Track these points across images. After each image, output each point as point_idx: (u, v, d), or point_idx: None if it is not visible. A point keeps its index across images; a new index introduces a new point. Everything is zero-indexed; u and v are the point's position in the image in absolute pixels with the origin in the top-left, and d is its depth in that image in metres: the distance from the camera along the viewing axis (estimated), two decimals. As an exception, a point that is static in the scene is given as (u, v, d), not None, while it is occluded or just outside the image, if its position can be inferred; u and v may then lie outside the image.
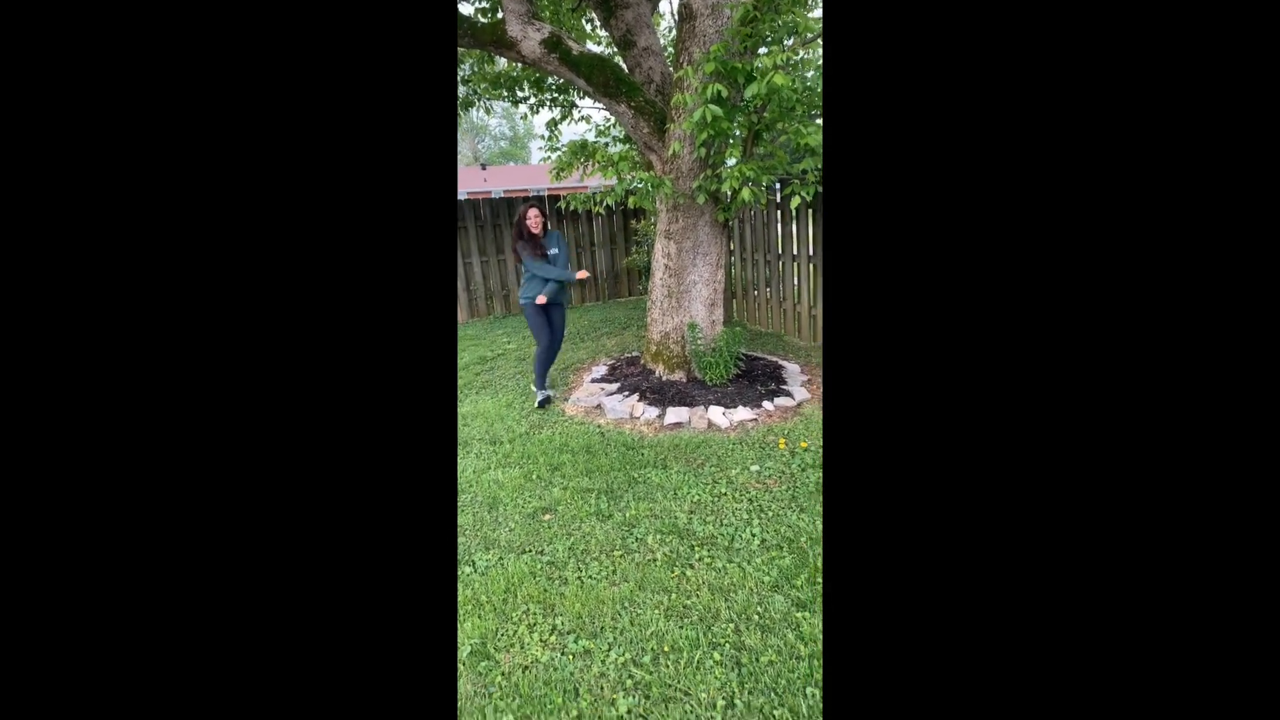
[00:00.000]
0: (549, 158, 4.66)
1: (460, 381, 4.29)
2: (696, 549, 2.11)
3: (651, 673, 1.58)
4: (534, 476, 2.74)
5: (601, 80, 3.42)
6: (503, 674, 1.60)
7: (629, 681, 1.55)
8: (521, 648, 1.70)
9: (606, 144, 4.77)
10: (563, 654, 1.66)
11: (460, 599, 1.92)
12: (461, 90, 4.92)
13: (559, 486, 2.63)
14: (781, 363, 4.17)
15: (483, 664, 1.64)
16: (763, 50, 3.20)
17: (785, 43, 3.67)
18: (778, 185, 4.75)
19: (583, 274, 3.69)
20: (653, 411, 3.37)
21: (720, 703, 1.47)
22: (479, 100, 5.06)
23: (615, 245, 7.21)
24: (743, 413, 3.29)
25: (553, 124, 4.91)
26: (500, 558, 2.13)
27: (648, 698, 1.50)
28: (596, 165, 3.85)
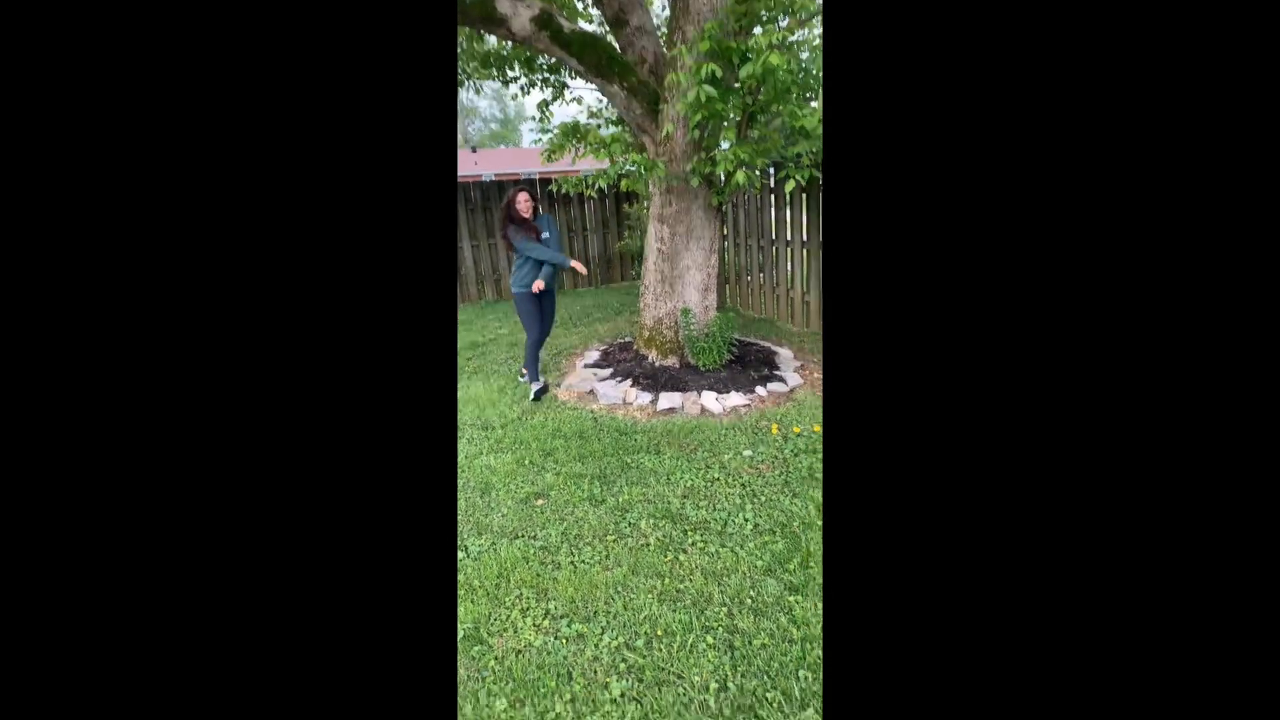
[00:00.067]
0: (540, 140, 4.58)
1: (451, 367, 4.25)
2: (690, 534, 2.12)
3: (645, 656, 1.58)
4: (526, 462, 2.73)
5: (593, 60, 3.35)
6: (496, 658, 1.60)
7: (622, 665, 1.56)
8: (514, 632, 1.69)
9: (598, 126, 4.68)
10: (556, 638, 1.66)
11: (453, 584, 1.92)
12: (450, 69, 4.78)
13: (552, 472, 2.62)
14: (774, 348, 4.17)
15: (476, 648, 1.64)
16: (758, 30, 3.14)
17: (780, 23, 3.61)
18: (771, 169, 4.71)
19: (579, 267, 3.47)
20: (646, 397, 3.36)
21: (713, 685, 1.48)
22: (468, 80, 4.95)
23: (608, 230, 7.15)
24: (736, 398, 3.29)
25: (544, 105, 4.82)
26: (493, 543, 2.12)
27: (641, 681, 1.50)
28: (588, 147, 3.80)
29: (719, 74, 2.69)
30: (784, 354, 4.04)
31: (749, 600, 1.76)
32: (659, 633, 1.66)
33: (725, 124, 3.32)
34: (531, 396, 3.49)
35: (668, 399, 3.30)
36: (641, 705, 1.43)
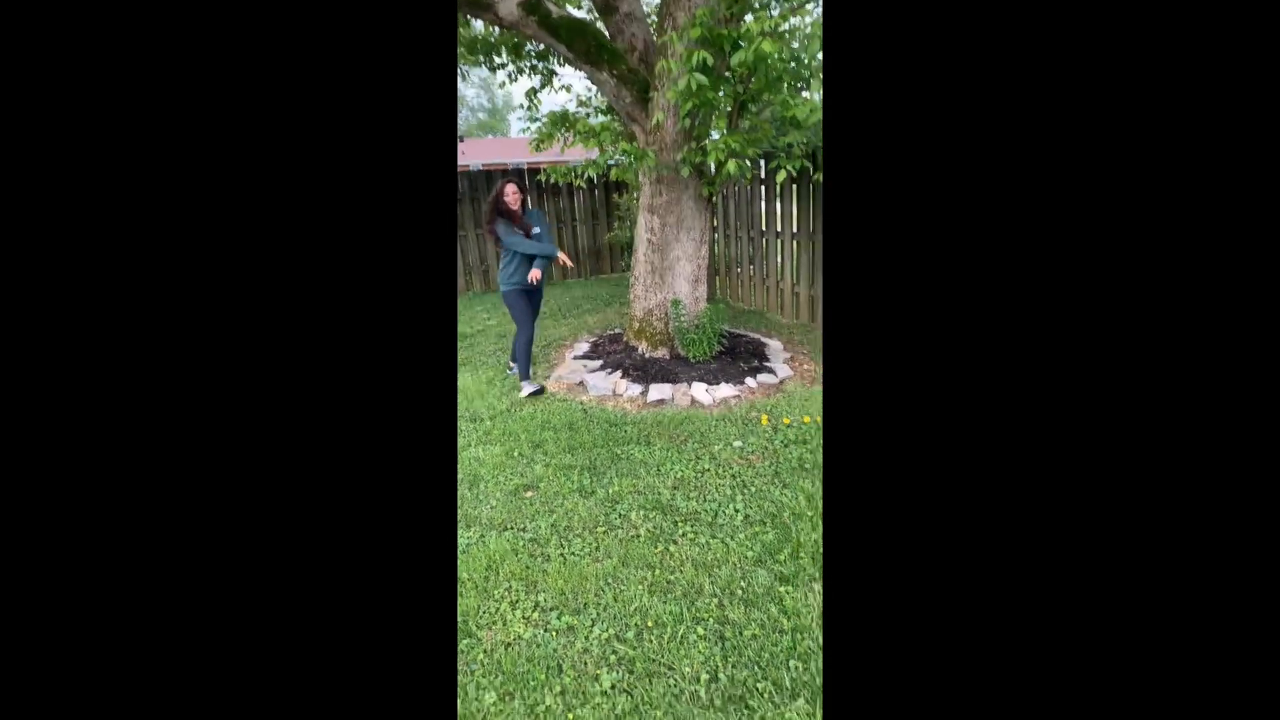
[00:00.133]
0: (528, 129, 4.51)
1: (439, 358, 4.20)
2: (680, 525, 2.11)
3: (635, 648, 1.57)
4: (515, 454, 2.71)
5: (582, 46, 3.30)
6: (485, 651, 1.59)
7: (612, 657, 1.55)
8: (504, 625, 1.68)
9: (588, 114, 4.63)
10: (545, 630, 1.65)
11: (441, 577, 1.89)
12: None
13: (541, 463, 2.59)
14: (764, 340, 4.16)
15: (465, 641, 1.62)
16: (749, 17, 3.11)
17: (773, 10, 3.58)
18: (762, 160, 4.69)
19: (565, 259, 3.38)
20: (636, 388, 3.34)
21: (704, 676, 1.47)
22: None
23: (597, 220, 7.10)
24: (726, 389, 3.28)
25: (532, 93, 4.75)
26: (481, 535, 2.10)
27: (631, 672, 1.50)
28: (577, 136, 3.75)
29: (710, 62, 2.66)
30: (774, 346, 4.04)
31: (739, 591, 1.76)
32: (649, 624, 1.65)
33: (716, 113, 3.28)
34: (524, 394, 3.39)
35: (658, 390, 3.29)
36: (632, 697, 1.42)
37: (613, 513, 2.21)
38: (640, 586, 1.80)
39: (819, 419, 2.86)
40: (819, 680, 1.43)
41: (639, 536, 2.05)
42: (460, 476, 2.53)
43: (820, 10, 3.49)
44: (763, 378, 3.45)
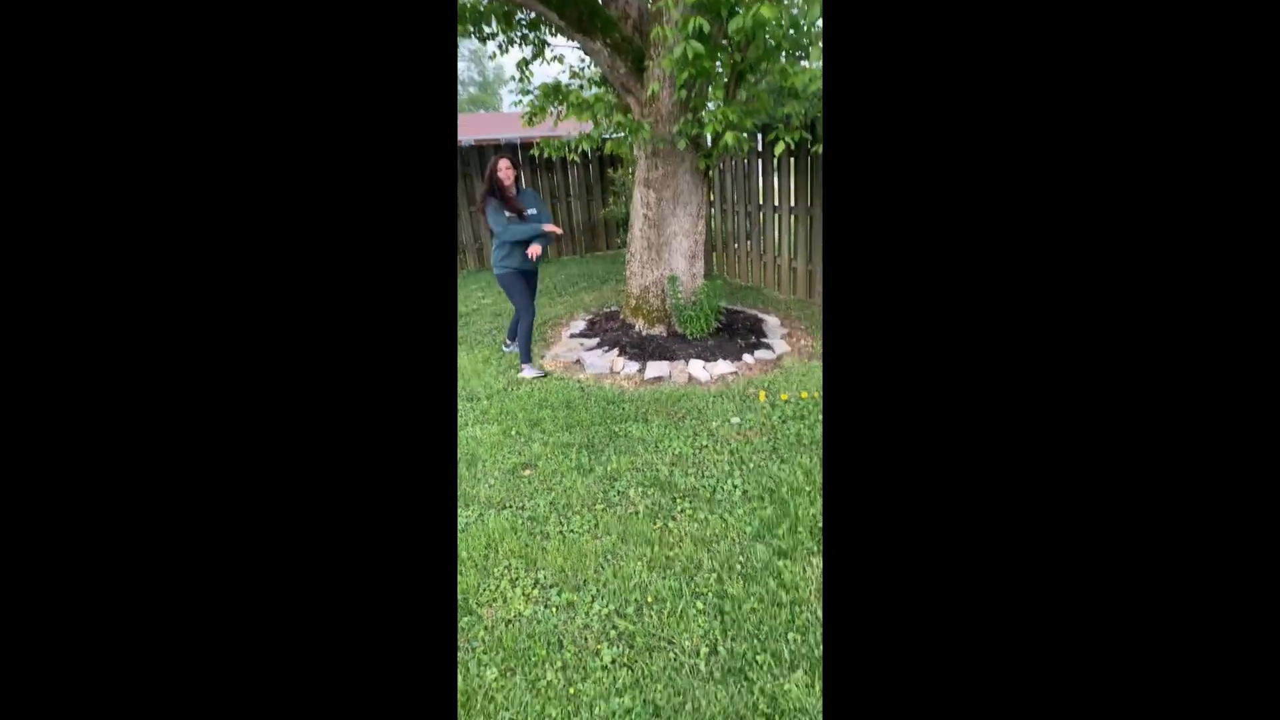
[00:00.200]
0: (520, 102, 4.40)
1: (434, 338, 4.17)
2: (678, 501, 2.11)
3: (635, 623, 1.58)
4: (513, 432, 2.70)
5: (574, 15, 3.19)
6: (485, 628, 1.59)
7: (613, 632, 1.56)
8: (504, 602, 1.69)
9: (581, 86, 4.51)
10: (545, 607, 1.66)
11: (440, 556, 1.90)
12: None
13: (539, 442, 2.59)
14: (761, 316, 4.14)
15: (465, 619, 1.63)
16: (747, -18, 3.00)
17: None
18: (760, 133, 4.59)
19: (553, 229, 3.23)
20: (633, 366, 3.33)
21: (704, 650, 1.48)
22: (443, 37, 4.72)
23: (592, 196, 7.00)
24: (723, 366, 3.27)
25: (524, 64, 4.62)
26: (480, 514, 2.10)
27: (632, 647, 1.51)
28: (570, 109, 3.66)
29: (707, 28, 2.58)
30: (771, 321, 4.02)
31: (738, 566, 1.77)
32: (649, 599, 1.66)
33: (713, 83, 3.20)
34: (525, 375, 3.33)
35: (655, 368, 3.27)
36: (633, 671, 1.44)
37: (611, 490, 2.21)
38: (639, 562, 1.80)
39: (817, 394, 2.85)
40: (818, 652, 1.44)
41: (638, 513, 2.06)
42: (458, 455, 2.53)
43: (819, -26, 3.38)
44: (760, 354, 3.43)
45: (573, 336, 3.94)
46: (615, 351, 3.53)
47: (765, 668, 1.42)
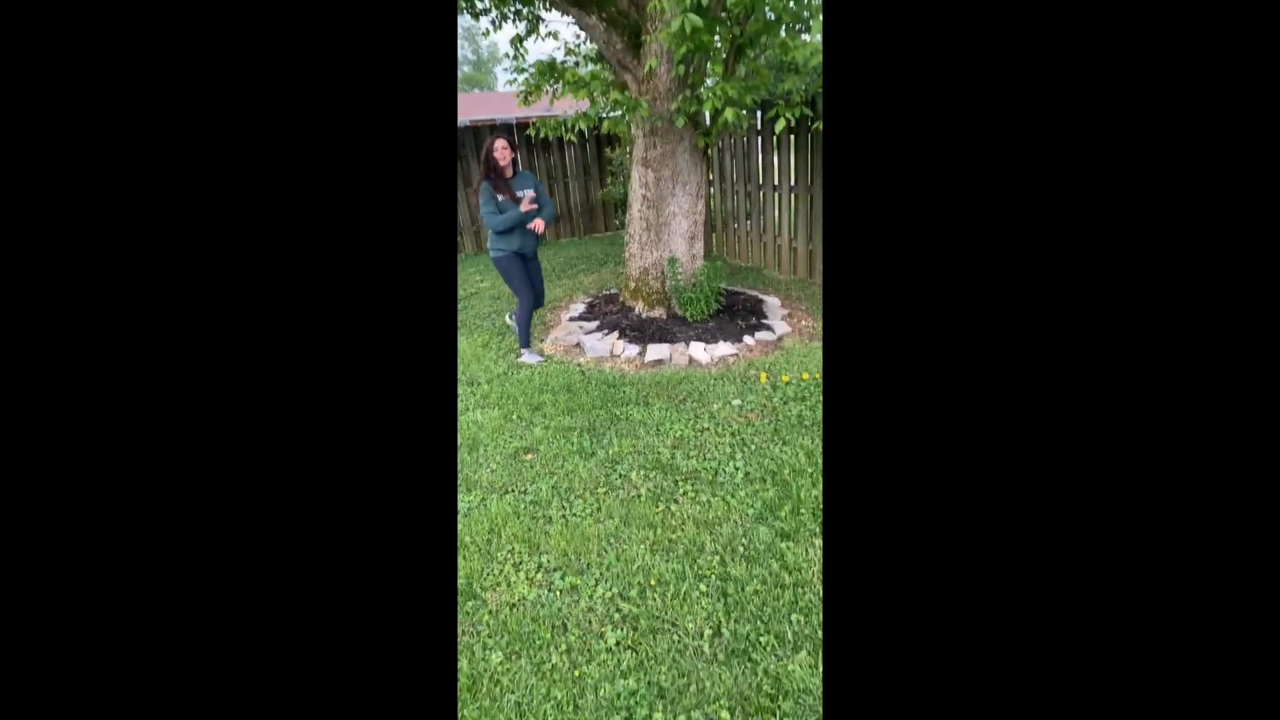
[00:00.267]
0: (515, 80, 4.31)
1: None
2: (681, 484, 2.11)
3: (639, 605, 1.59)
4: (514, 417, 2.69)
5: (569, -13, 3.11)
6: (490, 612, 1.60)
7: (616, 615, 1.56)
8: (508, 586, 1.69)
9: (576, 64, 4.41)
10: (549, 591, 1.66)
11: (443, 541, 1.90)
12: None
13: (540, 426, 2.58)
14: (762, 297, 4.11)
15: (469, 603, 1.64)
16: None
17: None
18: (759, 110, 4.51)
19: (539, 226, 3.07)
20: (633, 349, 3.31)
21: (707, 631, 1.49)
22: (435, 14, 4.60)
23: (589, 177, 6.90)
24: (724, 348, 3.25)
25: (518, 40, 4.51)
26: (483, 499, 2.10)
27: (635, 629, 1.51)
28: (566, 87, 3.58)
29: (705, 1, 2.50)
30: (772, 302, 3.99)
31: (741, 548, 1.77)
32: (652, 582, 1.66)
33: (711, 58, 3.13)
34: (524, 360, 3.30)
35: (655, 350, 3.26)
36: (637, 653, 1.45)
37: (613, 473, 2.21)
38: (642, 545, 1.81)
39: (818, 376, 2.84)
40: (821, 633, 1.45)
41: (640, 496, 2.06)
42: (459, 441, 2.52)
43: (821, -57, 3.28)
44: (761, 335, 3.41)
45: (572, 320, 3.92)
46: (615, 334, 3.51)
47: (769, 649, 1.43)
